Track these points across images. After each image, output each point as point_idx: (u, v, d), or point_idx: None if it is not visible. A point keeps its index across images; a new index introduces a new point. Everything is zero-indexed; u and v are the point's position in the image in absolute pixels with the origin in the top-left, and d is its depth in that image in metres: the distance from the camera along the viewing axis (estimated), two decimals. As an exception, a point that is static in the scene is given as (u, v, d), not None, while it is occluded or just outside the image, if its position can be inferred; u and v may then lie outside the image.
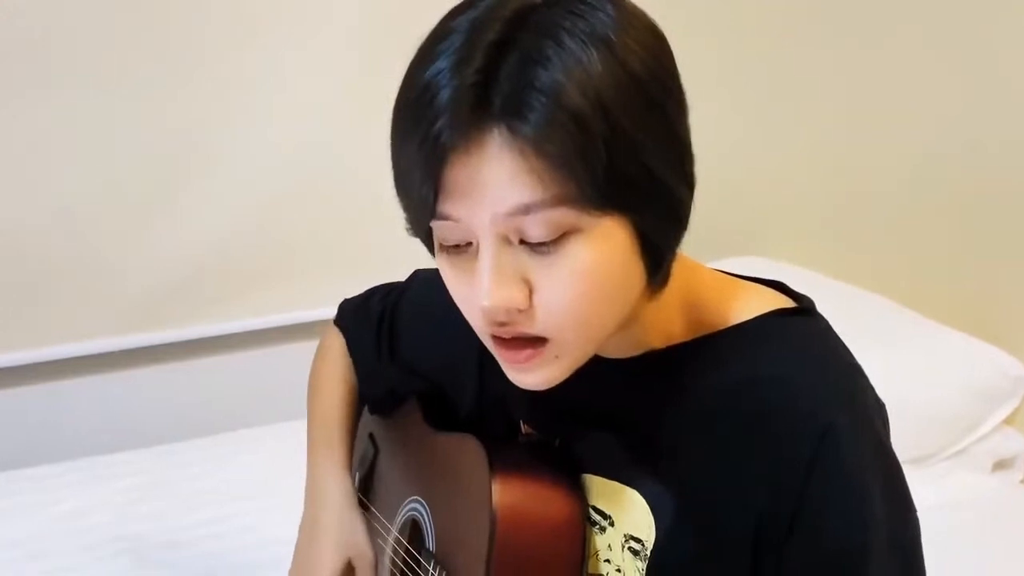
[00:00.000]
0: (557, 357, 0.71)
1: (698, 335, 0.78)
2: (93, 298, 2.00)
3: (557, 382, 0.73)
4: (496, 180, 0.65)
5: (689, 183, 0.70)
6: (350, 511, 1.01)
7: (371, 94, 2.05)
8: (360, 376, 1.07)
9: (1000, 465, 1.91)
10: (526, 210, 0.66)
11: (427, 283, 1.00)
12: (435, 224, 0.70)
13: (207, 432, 1.95)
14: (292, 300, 2.10)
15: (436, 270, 0.85)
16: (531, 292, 0.69)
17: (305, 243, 2.13)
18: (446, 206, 0.67)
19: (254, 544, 1.58)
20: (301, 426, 1.10)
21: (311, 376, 1.11)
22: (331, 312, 1.13)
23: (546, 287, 0.68)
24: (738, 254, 2.07)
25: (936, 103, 1.96)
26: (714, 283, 0.80)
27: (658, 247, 0.70)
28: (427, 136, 0.65)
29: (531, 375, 0.73)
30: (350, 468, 1.05)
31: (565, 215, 0.66)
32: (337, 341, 1.10)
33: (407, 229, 0.74)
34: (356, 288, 1.12)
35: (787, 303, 0.79)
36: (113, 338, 2.02)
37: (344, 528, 1.00)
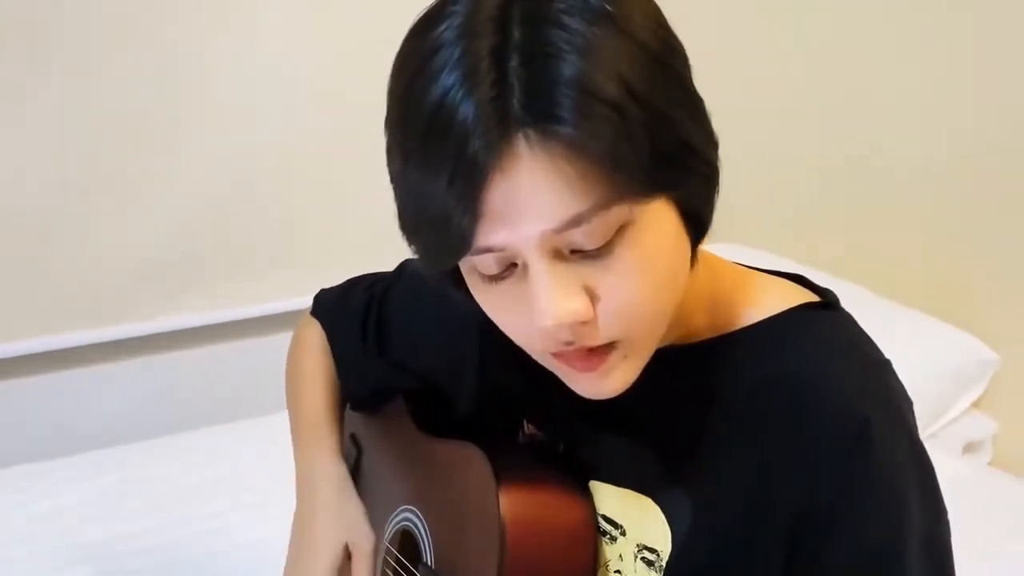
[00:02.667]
0: (626, 357, 0.67)
1: (721, 332, 0.74)
2: (53, 292, 1.89)
3: (630, 384, 0.68)
4: (539, 195, 0.59)
5: (714, 141, 0.66)
6: (346, 494, 0.94)
7: (347, 76, 2.00)
8: (341, 370, 1.01)
9: (969, 448, 1.92)
10: (576, 222, 0.60)
11: (419, 275, 0.95)
12: (473, 259, 0.64)
13: (178, 429, 1.86)
14: (267, 291, 2.02)
15: None
16: (592, 300, 0.63)
17: (277, 232, 2.05)
18: (485, 237, 0.61)
19: (232, 546, 1.52)
20: (280, 419, 1.04)
21: (289, 370, 1.04)
22: (309, 302, 1.07)
23: (609, 292, 0.63)
24: (709, 241, 2.04)
25: (909, 91, 1.95)
26: (736, 277, 0.77)
27: (700, 216, 0.67)
28: (460, 163, 0.59)
29: (603, 382, 0.67)
30: (342, 455, 0.99)
31: (617, 214, 0.61)
32: (315, 333, 1.03)
33: (424, 268, 0.68)
34: (332, 278, 1.06)
35: (811, 297, 0.76)
36: (75, 333, 1.92)
37: (340, 512, 0.93)
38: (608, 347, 0.66)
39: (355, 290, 1.01)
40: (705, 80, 0.66)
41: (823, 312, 0.74)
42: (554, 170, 0.59)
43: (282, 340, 1.08)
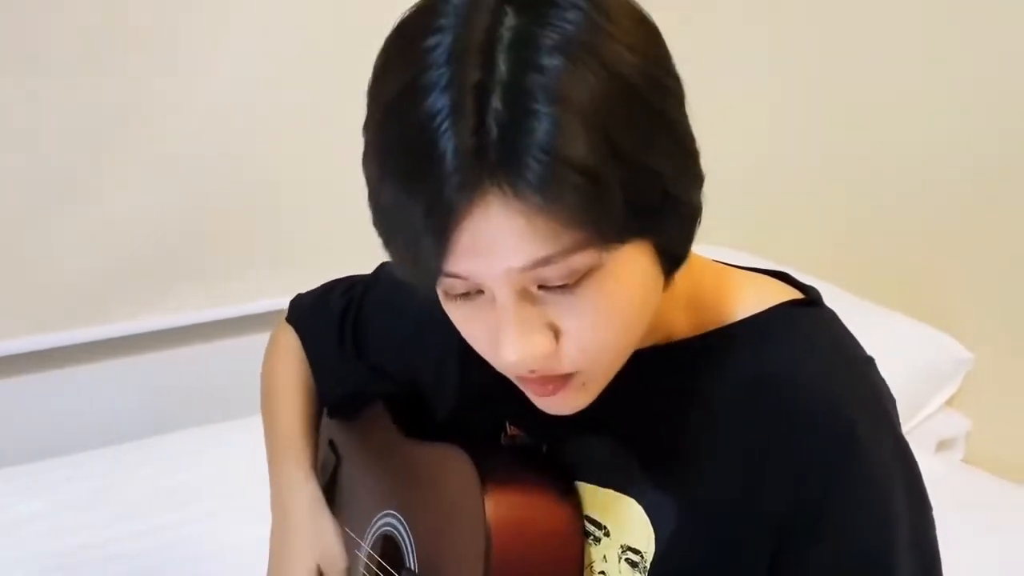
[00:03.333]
0: (584, 384, 0.68)
1: (703, 330, 0.74)
2: (33, 291, 1.84)
3: (586, 405, 0.69)
4: (507, 238, 0.59)
5: (700, 183, 0.66)
6: (318, 516, 0.94)
7: (328, 68, 1.97)
8: (318, 376, 1.00)
9: (943, 445, 1.94)
10: (544, 263, 0.60)
11: (397, 277, 0.94)
12: (440, 280, 0.64)
13: (160, 431, 1.83)
14: (252, 290, 1.98)
15: None
16: (556, 335, 0.64)
17: (262, 232, 2.00)
18: (454, 266, 0.61)
19: (207, 553, 1.50)
20: (253, 423, 1.03)
21: (264, 378, 1.03)
22: (283, 302, 1.06)
23: (573, 328, 0.64)
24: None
25: (886, 93, 1.97)
26: (717, 275, 0.76)
27: (676, 254, 0.67)
28: (436, 202, 0.58)
29: (562, 404, 0.69)
30: (315, 473, 0.99)
31: (585, 258, 0.61)
32: (291, 339, 1.02)
33: (396, 272, 0.67)
34: (321, 277, 1.05)
35: (794, 294, 0.75)
36: (56, 334, 1.87)
37: (311, 534, 0.93)
38: (568, 376, 0.67)
39: (332, 294, 1.00)
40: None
41: (807, 309, 0.74)
42: (523, 221, 0.58)
43: (256, 341, 1.06)
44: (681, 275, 0.70)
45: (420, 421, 0.91)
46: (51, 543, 1.52)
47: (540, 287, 0.62)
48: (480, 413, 0.85)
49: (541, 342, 0.63)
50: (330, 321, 0.98)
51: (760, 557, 0.69)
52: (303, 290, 1.06)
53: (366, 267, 0.99)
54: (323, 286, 1.03)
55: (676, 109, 0.63)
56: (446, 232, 0.59)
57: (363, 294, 0.97)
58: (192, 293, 1.97)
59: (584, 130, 0.57)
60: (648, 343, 0.74)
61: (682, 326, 0.74)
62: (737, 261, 0.81)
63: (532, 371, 0.65)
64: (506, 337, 0.63)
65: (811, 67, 2.10)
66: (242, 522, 1.47)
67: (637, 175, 0.60)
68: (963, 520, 1.64)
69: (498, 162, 0.57)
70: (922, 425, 1.89)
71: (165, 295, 1.95)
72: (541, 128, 0.56)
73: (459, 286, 0.64)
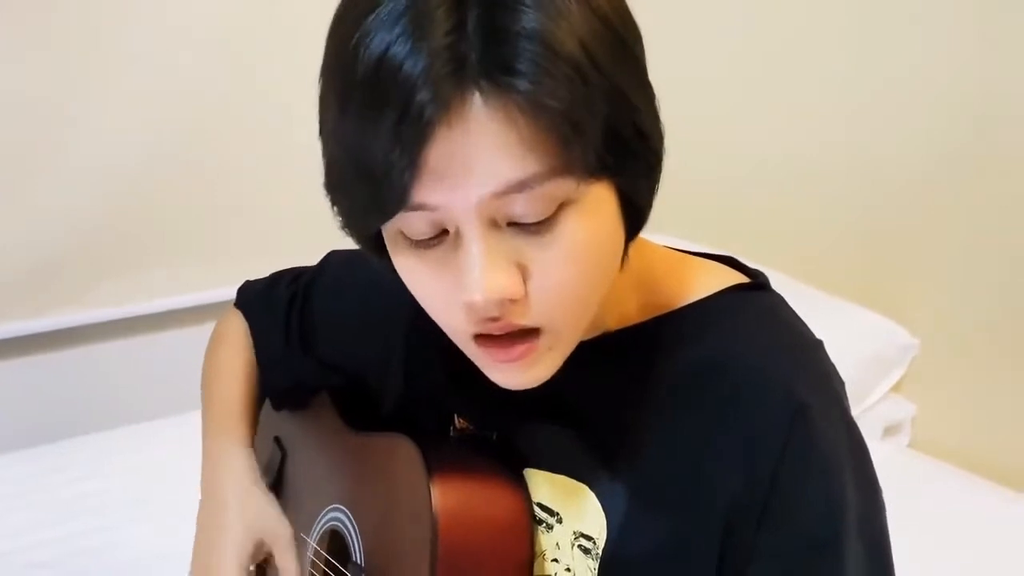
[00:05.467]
0: (551, 348, 0.65)
1: (654, 315, 0.73)
2: None
3: (549, 377, 0.66)
4: (483, 154, 0.57)
5: (662, 135, 0.65)
6: (250, 486, 0.88)
7: (252, 64, 1.94)
8: (263, 366, 0.98)
9: (889, 431, 1.96)
10: (520, 187, 0.58)
11: (344, 266, 0.93)
12: (404, 216, 0.60)
13: (67, 435, 1.75)
14: (169, 285, 1.92)
15: (352, 251, 0.77)
16: (524, 278, 0.61)
17: (179, 223, 1.95)
18: (423, 193, 0.58)
19: (127, 563, 1.45)
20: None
21: (206, 361, 1.00)
22: (209, 297, 1.03)
23: (542, 270, 0.61)
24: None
25: (835, 82, 1.98)
26: (667, 259, 0.76)
27: (640, 209, 0.65)
28: (405, 113, 0.56)
29: (524, 374, 0.66)
30: (252, 447, 0.93)
31: (562, 187, 0.59)
32: (239, 323, 0.99)
33: (344, 229, 0.65)
34: (244, 271, 1.03)
35: (741, 279, 0.75)
36: None
37: (250, 507, 0.87)
38: (533, 333, 0.64)
39: (279, 284, 0.98)
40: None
41: (755, 293, 0.74)
42: (508, 128, 0.56)
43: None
44: (632, 257, 0.70)
45: (366, 414, 0.89)
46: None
47: (511, 224, 0.60)
48: (427, 409, 0.83)
49: (509, 281, 0.60)
50: (276, 311, 0.96)
51: (711, 541, 0.68)
52: (230, 287, 1.03)
53: (303, 261, 0.98)
54: (272, 275, 1.01)
55: (643, 56, 0.64)
56: (418, 147, 0.56)
57: (309, 286, 0.95)
58: (116, 289, 1.91)
59: (569, 35, 0.57)
60: (599, 329, 0.73)
61: (632, 310, 0.74)
62: (684, 247, 0.81)
63: (496, 318, 0.62)
64: (471, 273, 0.60)
65: (765, 59, 2.11)
66: (164, 530, 1.42)
67: (616, 97, 0.59)
68: (908, 505, 1.66)
69: (480, 60, 0.56)
70: (869, 412, 1.91)
71: (87, 291, 1.89)
72: (527, 21, 0.56)
73: (422, 226, 0.61)
